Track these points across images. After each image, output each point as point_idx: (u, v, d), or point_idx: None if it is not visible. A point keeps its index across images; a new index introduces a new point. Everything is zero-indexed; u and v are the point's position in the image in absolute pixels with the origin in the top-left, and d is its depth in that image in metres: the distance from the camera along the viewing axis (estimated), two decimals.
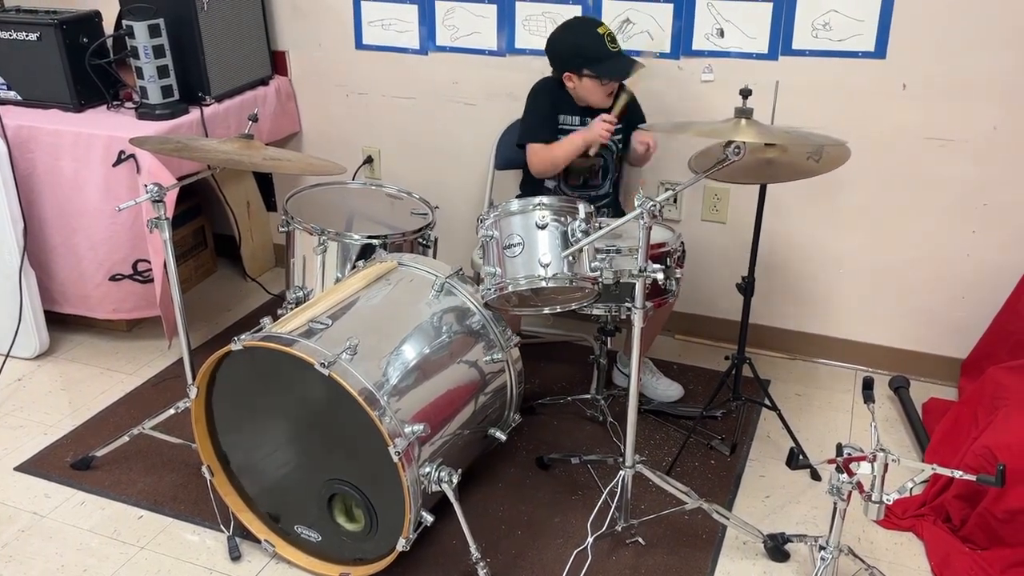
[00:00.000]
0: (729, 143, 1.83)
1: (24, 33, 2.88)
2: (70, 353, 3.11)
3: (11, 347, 2.95)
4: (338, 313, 2.07)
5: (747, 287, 2.37)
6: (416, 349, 2.06)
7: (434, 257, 2.63)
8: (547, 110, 2.64)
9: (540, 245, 1.99)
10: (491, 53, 3.04)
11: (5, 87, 3.01)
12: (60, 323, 3.14)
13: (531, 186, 2.77)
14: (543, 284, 1.97)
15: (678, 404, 2.76)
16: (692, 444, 2.54)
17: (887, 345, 2.92)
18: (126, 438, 2.45)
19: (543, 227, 1.99)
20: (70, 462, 2.50)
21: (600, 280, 1.96)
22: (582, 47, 2.51)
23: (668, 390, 2.80)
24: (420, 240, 2.58)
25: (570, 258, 1.96)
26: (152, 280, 2.96)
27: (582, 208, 2.00)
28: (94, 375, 2.98)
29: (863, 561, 2.01)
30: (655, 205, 1.79)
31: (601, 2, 2.82)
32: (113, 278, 2.97)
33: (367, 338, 1.97)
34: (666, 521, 2.24)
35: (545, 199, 2.01)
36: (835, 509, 1.90)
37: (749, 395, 2.57)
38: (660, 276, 1.84)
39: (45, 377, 2.97)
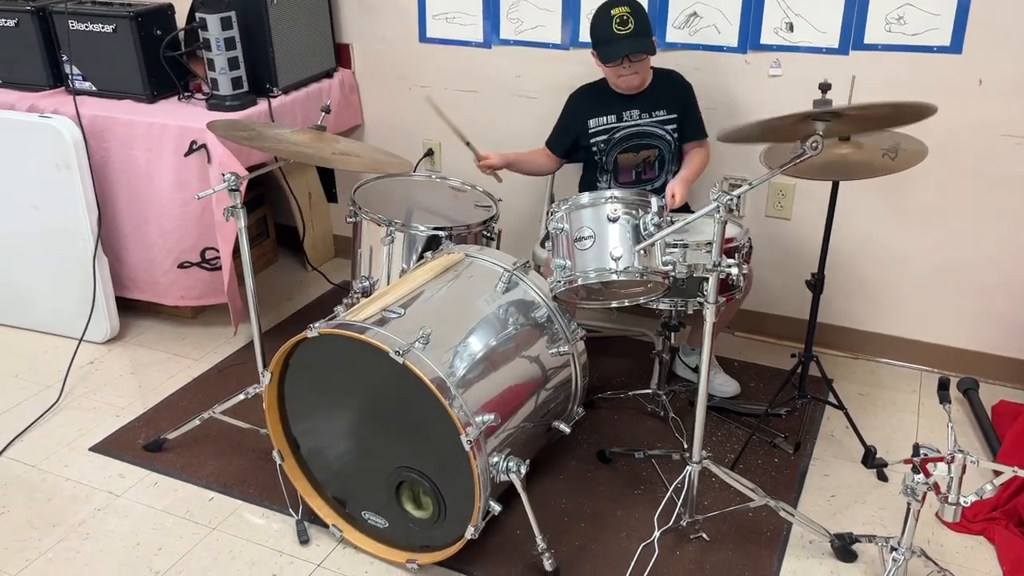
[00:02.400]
0: (807, 137, 1.81)
1: (100, 25, 2.96)
2: (139, 338, 3.19)
3: (84, 332, 3.03)
4: (409, 302, 2.09)
5: (816, 284, 2.35)
6: (484, 340, 2.07)
7: (497, 249, 2.64)
8: (569, 119, 2.71)
9: (611, 238, 1.99)
10: (555, 46, 3.05)
11: (81, 78, 3.09)
12: (129, 308, 3.22)
13: (587, 185, 2.79)
14: (613, 278, 1.98)
15: (736, 400, 2.74)
16: (754, 442, 2.52)
17: (954, 346, 2.87)
18: (197, 421, 2.50)
19: (615, 220, 1.99)
20: (142, 444, 2.57)
21: (672, 275, 1.96)
22: (595, 27, 2.55)
23: (724, 386, 2.78)
24: (484, 232, 2.60)
25: (641, 252, 1.96)
26: (219, 268, 3.02)
27: (655, 201, 1.99)
28: (162, 360, 3.05)
29: (936, 564, 1.98)
30: (732, 199, 1.78)
31: None
32: (182, 265, 3.04)
33: (437, 328, 1.99)
34: (730, 518, 2.24)
35: (617, 192, 2.01)
36: (909, 510, 1.88)
37: (814, 393, 2.54)
38: (735, 271, 1.83)
39: (115, 361, 3.05)
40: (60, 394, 2.82)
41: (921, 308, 2.87)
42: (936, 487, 1.78)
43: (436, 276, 2.21)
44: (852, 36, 2.63)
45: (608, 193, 2.03)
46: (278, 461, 2.20)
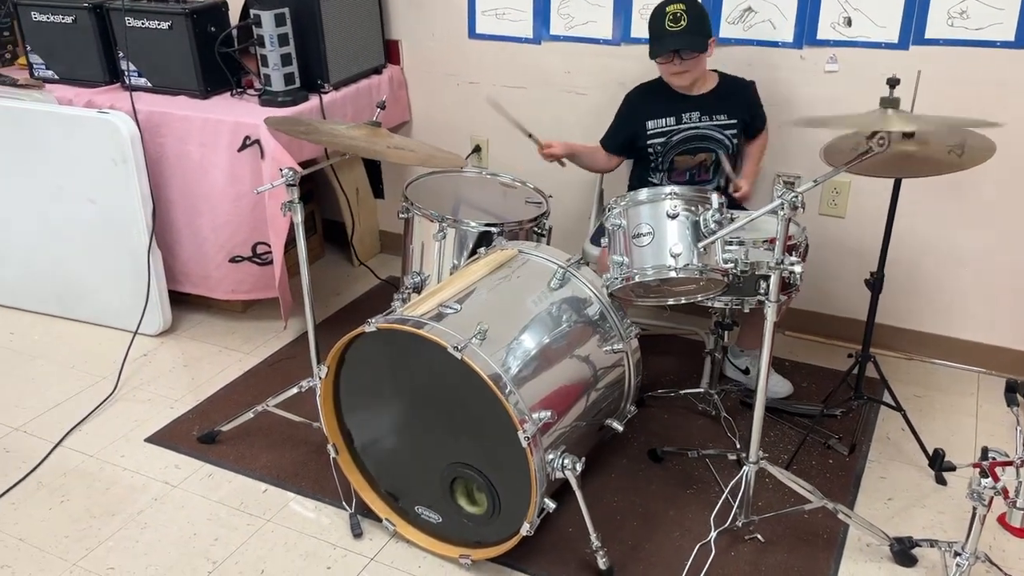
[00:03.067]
0: (874, 134, 1.78)
1: (156, 22, 2.99)
2: (190, 331, 3.23)
3: (139, 324, 3.08)
4: (465, 298, 2.09)
5: (875, 283, 2.31)
6: (538, 337, 2.07)
7: (547, 244, 2.64)
8: (627, 119, 2.70)
9: (670, 235, 1.98)
10: (605, 42, 3.03)
11: (136, 74, 3.13)
12: (180, 302, 3.26)
13: (638, 182, 2.77)
14: (672, 275, 1.96)
15: (789, 401, 2.70)
16: (808, 443, 2.49)
17: (1013, 348, 2.80)
18: (250, 414, 2.53)
19: (674, 216, 1.98)
20: (196, 435, 2.60)
21: (732, 272, 1.93)
22: (650, 24, 2.54)
23: (777, 386, 2.75)
24: (536, 229, 2.59)
25: (701, 249, 1.94)
26: (270, 263, 3.05)
27: (715, 198, 1.97)
28: (213, 353, 3.09)
29: (1000, 569, 1.94)
30: (796, 196, 1.75)
31: None
32: (233, 260, 3.07)
33: (493, 324, 1.99)
34: (785, 519, 2.21)
35: (676, 188, 1.99)
36: (974, 514, 1.84)
37: (870, 395, 2.50)
38: (798, 269, 1.81)
39: (168, 354, 3.09)
40: (115, 385, 2.87)
41: (980, 309, 2.82)
42: (1005, 491, 1.74)
43: (490, 272, 2.21)
44: (912, 30, 2.58)
45: (667, 189, 2.01)
46: (332, 454, 2.21)
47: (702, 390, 2.63)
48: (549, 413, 1.91)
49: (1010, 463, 1.73)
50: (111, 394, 2.83)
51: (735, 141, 2.65)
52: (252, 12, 2.91)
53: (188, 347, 3.14)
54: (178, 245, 3.14)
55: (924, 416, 2.63)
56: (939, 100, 2.55)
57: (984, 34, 2.50)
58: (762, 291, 2.19)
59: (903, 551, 2.08)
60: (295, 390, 2.48)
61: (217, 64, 3.05)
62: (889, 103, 1.86)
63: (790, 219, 1.80)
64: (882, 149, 1.77)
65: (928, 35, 2.56)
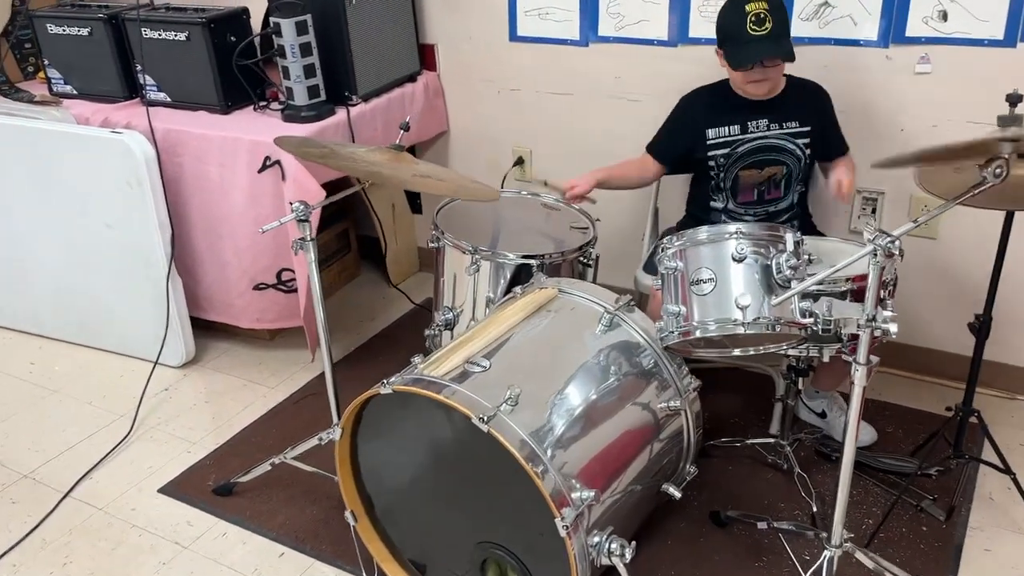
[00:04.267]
0: (989, 161, 1.45)
1: (173, 33, 2.79)
2: (215, 362, 3.03)
3: (159, 355, 2.89)
4: (495, 351, 1.82)
5: (981, 327, 1.97)
6: (582, 394, 1.79)
7: (595, 277, 2.35)
8: (683, 126, 2.39)
9: (736, 282, 1.67)
10: (660, 43, 2.71)
11: (156, 88, 2.93)
12: (205, 329, 3.07)
13: (698, 202, 2.46)
14: (740, 331, 1.66)
15: (873, 451, 2.37)
16: (893, 502, 2.16)
17: None
18: (268, 467, 2.30)
19: (740, 260, 1.67)
20: (212, 487, 2.39)
21: (812, 328, 1.62)
22: (725, 24, 2.21)
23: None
24: (581, 259, 2.31)
25: (773, 299, 1.63)
26: (296, 290, 2.83)
27: (790, 237, 1.66)
28: (237, 387, 2.88)
29: None
30: (893, 242, 1.43)
31: None
32: (257, 287, 2.85)
33: (527, 383, 1.72)
34: None
35: (743, 226, 1.68)
36: None
37: (970, 452, 2.16)
38: (894, 328, 1.49)
39: (190, 388, 2.90)
40: (132, 425, 2.68)
41: None
42: None
43: (527, 318, 1.94)
44: (1021, 24, 2.21)
45: (732, 228, 1.70)
46: (352, 522, 1.97)
47: (772, 440, 2.31)
48: (593, 494, 1.63)
49: None
50: (127, 436, 2.64)
51: (807, 151, 2.32)
52: (271, 20, 2.67)
53: (212, 380, 2.94)
54: (200, 270, 2.94)
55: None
56: None
57: None
58: (845, 338, 1.88)
59: None
60: (315, 442, 2.24)
61: (238, 77, 2.83)
62: (1010, 122, 1.52)
63: (884, 267, 1.48)
64: (998, 180, 1.43)
65: None
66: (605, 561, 1.69)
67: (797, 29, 2.47)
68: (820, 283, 1.67)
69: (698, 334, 1.71)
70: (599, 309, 1.95)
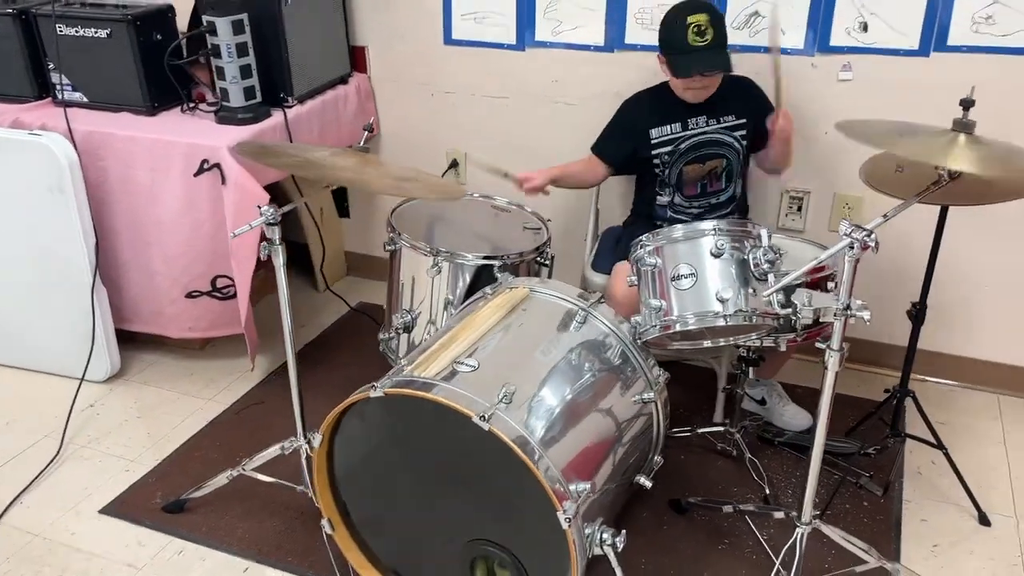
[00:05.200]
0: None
1: (93, 30, 2.64)
2: (142, 375, 2.89)
3: (85, 370, 2.73)
4: (479, 351, 1.83)
5: (918, 313, 2.13)
6: (567, 389, 1.83)
7: (551, 277, 2.40)
8: (627, 129, 2.47)
9: (715, 276, 1.75)
10: (596, 48, 2.79)
11: (70, 88, 2.77)
12: (129, 341, 2.92)
13: (644, 198, 2.55)
14: (720, 323, 1.74)
15: (811, 434, 2.51)
16: (836, 481, 2.31)
17: None
18: (224, 480, 2.22)
19: (718, 255, 1.75)
20: (161, 504, 2.28)
21: (795, 318, 1.71)
22: (668, 34, 2.31)
23: (796, 418, 2.57)
24: (539, 259, 2.35)
25: (751, 292, 1.72)
26: (232, 297, 2.74)
27: (764, 234, 1.76)
28: (170, 400, 2.76)
29: None
30: (868, 234, 1.54)
31: None
32: (190, 295, 2.74)
33: (516, 380, 1.74)
34: None
35: (718, 223, 1.77)
36: None
37: (906, 431, 2.33)
38: (867, 315, 1.60)
39: (118, 403, 2.75)
40: (60, 445, 2.52)
41: (998, 328, 2.68)
42: None
43: (504, 317, 1.96)
44: (934, 37, 2.41)
45: (707, 224, 1.79)
46: (328, 531, 1.93)
47: (722, 428, 2.43)
48: (589, 486, 1.68)
49: None
50: (55, 456, 2.48)
51: (745, 143, 2.45)
52: (205, 19, 2.58)
53: (142, 394, 2.80)
54: (125, 280, 2.79)
55: (951, 446, 2.46)
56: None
57: (1012, 40, 2.34)
58: (799, 327, 2.00)
59: None
60: (276, 451, 2.18)
61: (165, 77, 2.71)
62: (963, 127, 1.67)
63: (858, 260, 1.59)
64: (954, 179, 1.57)
65: (951, 41, 2.40)
66: (597, 551, 1.74)
67: (730, 37, 2.57)
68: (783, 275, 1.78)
69: (679, 327, 1.79)
70: (572, 306, 1.99)
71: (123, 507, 2.30)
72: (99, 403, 2.74)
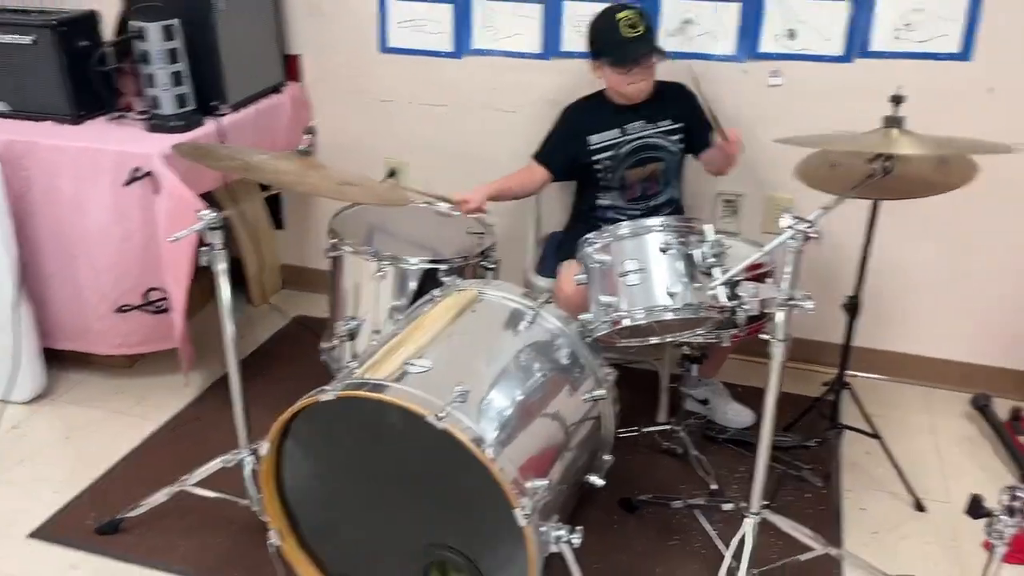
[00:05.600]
0: (878, 156, 1.65)
1: (15, 36, 2.55)
2: (69, 395, 2.77)
3: (8, 392, 2.60)
4: (431, 352, 1.82)
5: (853, 306, 2.21)
6: (520, 388, 1.82)
7: (496, 279, 2.39)
8: (567, 136, 2.49)
9: (663, 272, 1.78)
10: (534, 56, 2.82)
11: None
12: (54, 360, 2.79)
13: (585, 202, 2.58)
14: (668, 316, 1.76)
15: (753, 431, 2.57)
16: (780, 475, 2.36)
17: (960, 360, 2.80)
18: (163, 497, 2.14)
19: (665, 251, 1.78)
20: (95, 526, 2.19)
21: (741, 311, 1.75)
22: (599, 31, 2.37)
23: (739, 416, 2.62)
24: (484, 263, 2.35)
25: (696, 286, 1.76)
26: (165, 311, 2.65)
27: (708, 229, 1.79)
28: (100, 420, 2.66)
29: None
30: (810, 226, 1.59)
31: (659, 1, 2.62)
32: (120, 309, 2.65)
33: (470, 380, 1.73)
34: (785, 568, 2.05)
35: (668, 220, 1.80)
36: (993, 554, 1.73)
37: (845, 423, 2.40)
38: (810, 304, 1.65)
39: (44, 424, 2.63)
40: None
41: (925, 323, 2.79)
42: None
43: (454, 318, 1.95)
44: (857, 43, 2.51)
45: (653, 221, 1.82)
46: (276, 542, 1.88)
47: (668, 427, 2.46)
48: (545, 483, 1.67)
49: None
50: None
51: (682, 147, 2.50)
52: (132, 24, 2.51)
53: (69, 414, 2.68)
54: (49, 295, 2.68)
55: (886, 438, 2.55)
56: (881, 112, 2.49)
57: (930, 46, 2.46)
58: (741, 322, 2.04)
59: None
60: (219, 465, 2.12)
61: (90, 84, 2.62)
62: (894, 122, 1.74)
63: (801, 251, 1.63)
64: (888, 172, 1.63)
65: (873, 47, 2.50)
66: (554, 549, 1.73)
67: (664, 44, 2.65)
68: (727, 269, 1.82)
69: (628, 322, 1.81)
70: (521, 306, 1.99)
71: (54, 530, 2.19)
72: (24, 424, 2.62)
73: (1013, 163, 2.47)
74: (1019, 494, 1.65)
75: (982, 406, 2.62)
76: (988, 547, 2.00)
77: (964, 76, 2.46)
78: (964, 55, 2.44)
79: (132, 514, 2.18)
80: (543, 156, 2.52)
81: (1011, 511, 1.65)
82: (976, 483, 2.38)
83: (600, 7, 2.50)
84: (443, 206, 2.55)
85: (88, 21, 2.65)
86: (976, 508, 1.64)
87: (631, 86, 2.35)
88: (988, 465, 2.49)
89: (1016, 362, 2.74)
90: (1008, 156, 2.45)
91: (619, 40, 2.27)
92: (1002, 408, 2.65)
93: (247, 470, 2.09)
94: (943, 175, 1.88)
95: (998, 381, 2.75)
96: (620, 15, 2.28)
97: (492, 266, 2.36)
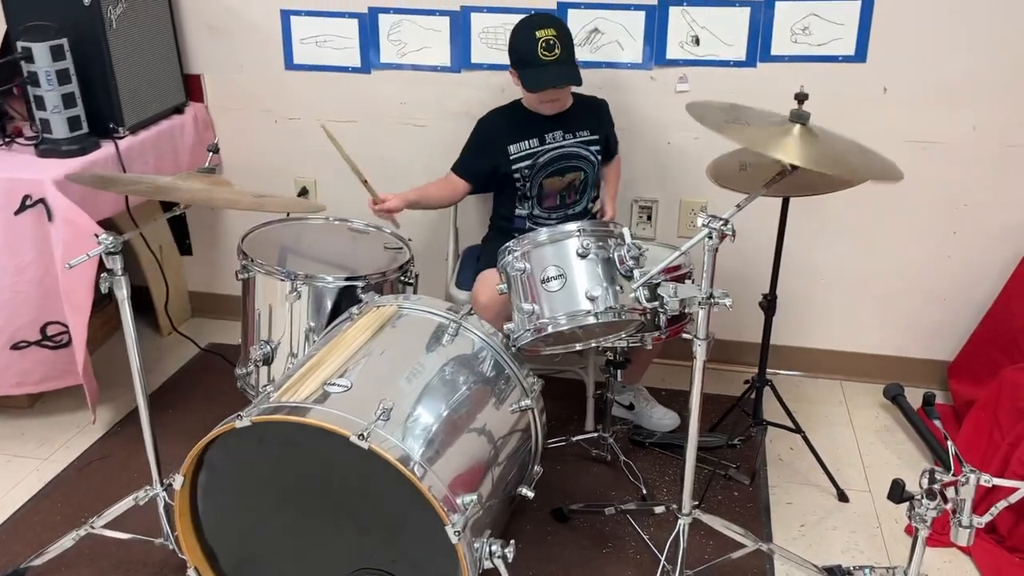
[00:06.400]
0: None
1: None
2: None
3: None
4: (350, 371, 1.76)
5: (769, 305, 2.24)
6: (445, 403, 1.79)
7: (415, 293, 2.35)
8: (485, 147, 2.47)
9: (583, 276, 1.77)
10: (444, 69, 2.79)
11: None
12: None
13: (502, 212, 2.56)
14: (591, 320, 1.75)
15: (678, 433, 2.59)
16: (708, 475, 2.37)
17: (871, 353, 2.88)
18: (69, 542, 2.01)
19: (584, 255, 1.77)
20: None
21: (662, 311, 1.75)
22: (519, 49, 2.34)
23: (664, 419, 2.64)
24: (403, 278, 2.30)
25: (619, 289, 1.75)
26: (66, 345, 2.51)
27: (625, 232, 1.79)
28: (1, 464, 2.49)
29: None
30: (725, 223, 1.61)
31: (567, 10, 2.63)
32: (16, 346, 2.49)
33: (393, 397, 1.68)
34: (716, 568, 2.06)
35: (585, 224, 1.79)
36: (917, 538, 1.77)
37: (768, 419, 2.44)
38: (728, 301, 1.66)
39: None
40: None
41: (836, 318, 2.87)
42: (952, 511, 1.68)
43: (372, 336, 1.89)
44: (759, 48, 2.57)
45: (572, 226, 1.80)
46: None
47: (595, 435, 2.45)
48: (475, 498, 1.63)
49: (955, 483, 1.67)
50: None
51: (599, 157, 2.51)
52: (19, 44, 2.38)
53: None
54: None
55: (806, 432, 2.61)
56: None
57: (826, 49, 2.54)
58: (661, 324, 2.06)
59: None
60: (130, 503, 2.00)
61: None
62: (798, 117, 1.78)
63: (717, 249, 1.65)
64: (796, 169, 1.67)
65: (774, 52, 2.57)
66: (488, 564, 1.69)
67: None
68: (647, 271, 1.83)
69: (552, 328, 1.79)
70: (443, 320, 1.96)
71: None
72: None
73: (917, 157, 2.58)
74: (938, 476, 1.69)
75: (895, 395, 2.70)
76: (911, 532, 2.06)
77: (860, 77, 2.55)
78: (859, 57, 2.53)
79: (37, 562, 2.03)
80: (461, 167, 2.49)
81: (931, 494, 1.70)
82: (895, 470, 2.44)
83: (509, 19, 2.51)
84: (357, 222, 2.50)
85: None
86: (898, 493, 1.67)
87: (544, 104, 2.35)
88: (904, 452, 2.56)
89: (925, 351, 2.84)
90: (913, 147, 2.57)
91: (534, 61, 2.26)
92: (914, 397, 2.73)
93: (161, 506, 1.98)
94: (849, 172, 1.93)
95: (909, 370, 2.84)
96: (540, 33, 2.26)
97: (411, 281, 2.32)
